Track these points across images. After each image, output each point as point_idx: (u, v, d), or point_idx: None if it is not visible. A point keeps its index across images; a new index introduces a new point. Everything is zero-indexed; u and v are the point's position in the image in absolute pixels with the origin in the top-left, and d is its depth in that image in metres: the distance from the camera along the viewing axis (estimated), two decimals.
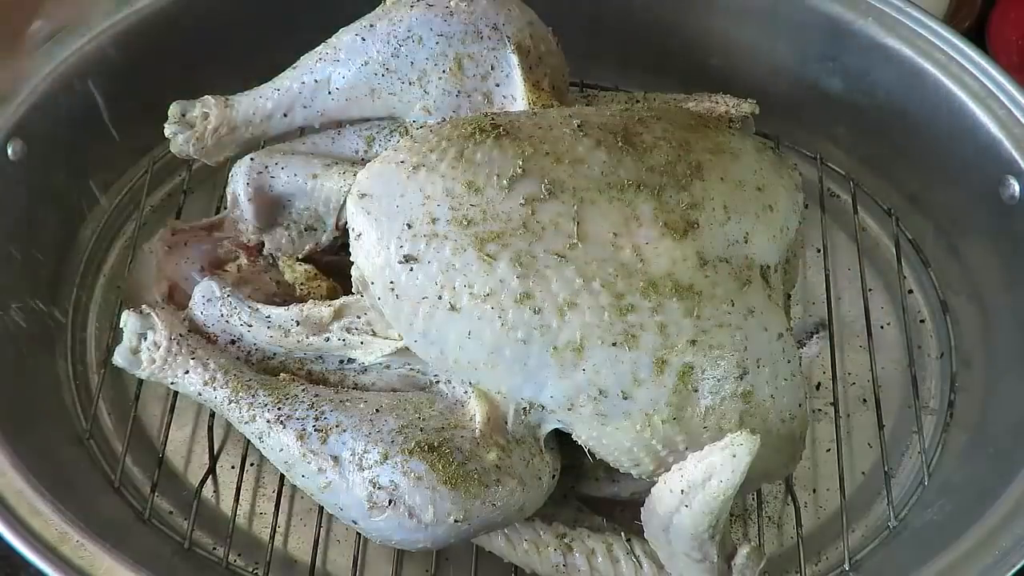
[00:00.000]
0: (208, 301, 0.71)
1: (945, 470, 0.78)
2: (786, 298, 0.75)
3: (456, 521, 0.62)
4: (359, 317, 0.69)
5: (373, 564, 0.73)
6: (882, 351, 0.84)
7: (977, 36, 1.02)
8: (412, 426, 0.64)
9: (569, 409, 0.63)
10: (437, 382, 0.68)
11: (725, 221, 0.66)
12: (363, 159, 0.78)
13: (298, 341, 0.69)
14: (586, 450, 0.66)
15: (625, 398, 0.62)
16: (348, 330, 0.69)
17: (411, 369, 0.69)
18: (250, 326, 0.70)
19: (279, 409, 0.66)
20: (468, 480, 0.62)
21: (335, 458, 0.64)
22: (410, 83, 0.76)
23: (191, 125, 0.78)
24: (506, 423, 0.65)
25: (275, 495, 0.74)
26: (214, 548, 0.74)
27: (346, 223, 0.66)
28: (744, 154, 0.70)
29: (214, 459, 0.78)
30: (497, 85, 0.75)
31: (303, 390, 0.68)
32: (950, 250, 0.88)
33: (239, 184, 0.76)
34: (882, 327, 0.87)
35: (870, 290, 0.87)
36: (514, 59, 0.74)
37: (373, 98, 0.77)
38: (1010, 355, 0.80)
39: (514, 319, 0.61)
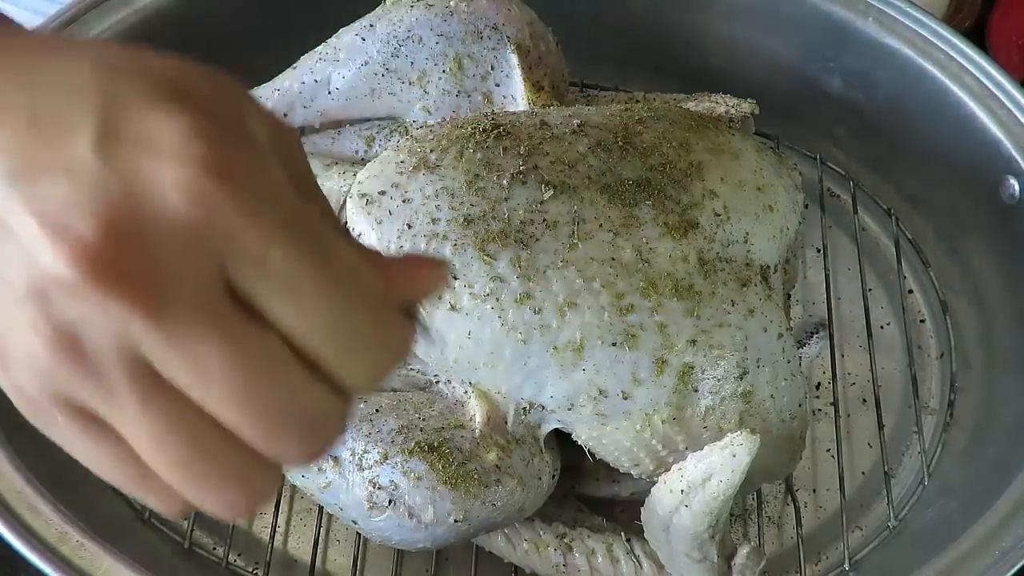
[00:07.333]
0: None
1: (945, 470, 0.78)
2: (786, 298, 0.75)
3: (456, 521, 0.62)
4: None
5: (373, 564, 0.73)
6: (882, 351, 0.84)
7: (977, 36, 1.02)
8: (412, 426, 0.64)
9: (569, 409, 0.63)
10: (437, 382, 0.68)
11: (725, 221, 0.66)
12: (363, 159, 0.78)
13: None
14: (586, 450, 0.66)
15: (625, 398, 0.62)
16: None
17: (411, 369, 0.69)
18: None
19: None
20: (468, 480, 0.62)
21: (335, 458, 0.64)
22: (410, 83, 0.76)
23: None
24: (506, 423, 0.65)
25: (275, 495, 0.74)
26: (214, 548, 0.74)
27: (346, 223, 0.66)
28: (744, 154, 0.70)
29: None
30: (497, 85, 0.75)
31: None
32: (950, 250, 0.88)
33: None
34: (882, 327, 0.87)
35: (870, 290, 0.87)
36: (514, 59, 0.74)
37: (373, 98, 0.77)
38: (1010, 355, 0.80)
39: (514, 319, 0.61)
